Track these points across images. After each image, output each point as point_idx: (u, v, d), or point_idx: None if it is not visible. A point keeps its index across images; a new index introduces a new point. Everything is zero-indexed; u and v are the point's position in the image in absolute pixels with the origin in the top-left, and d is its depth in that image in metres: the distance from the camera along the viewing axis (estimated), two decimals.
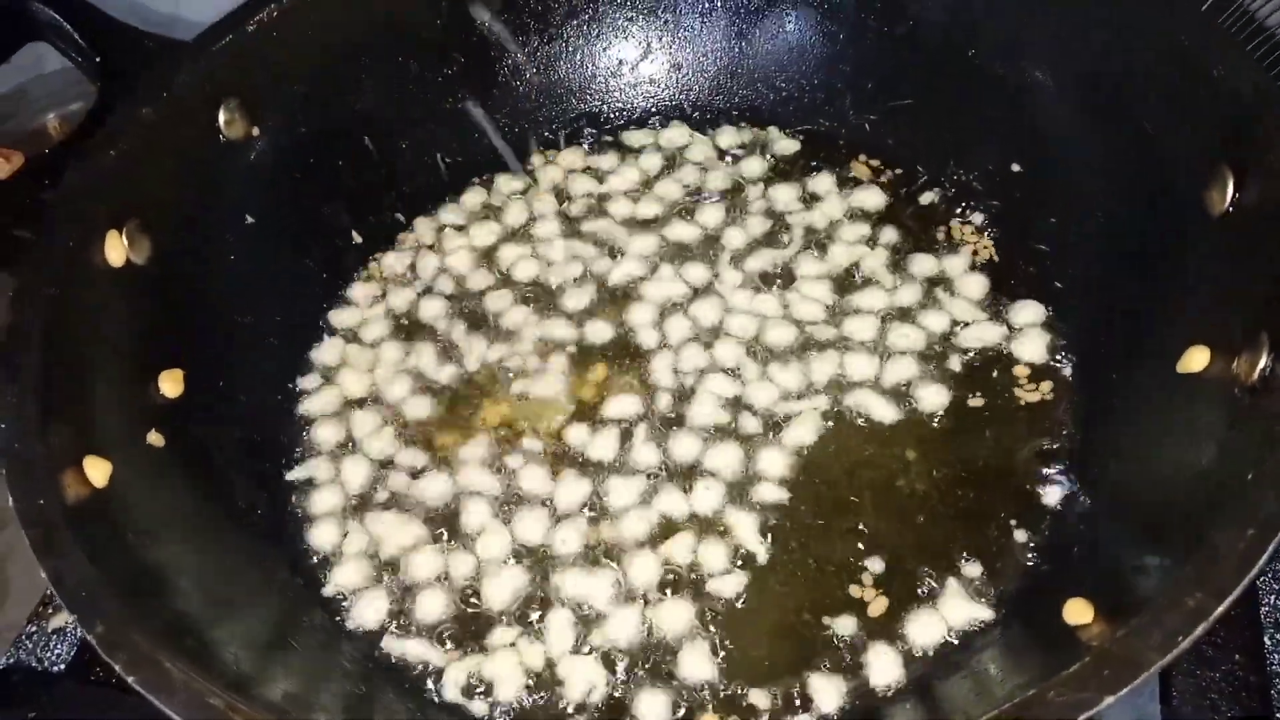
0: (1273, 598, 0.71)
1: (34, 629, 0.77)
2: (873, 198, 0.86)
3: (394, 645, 0.68)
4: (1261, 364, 0.54)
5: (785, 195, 0.88)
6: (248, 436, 0.75)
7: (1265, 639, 0.69)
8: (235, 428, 0.74)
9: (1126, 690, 0.41)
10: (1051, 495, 0.70)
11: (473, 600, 0.70)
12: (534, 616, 0.68)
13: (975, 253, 0.83)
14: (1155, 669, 0.41)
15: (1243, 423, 0.54)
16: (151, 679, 0.47)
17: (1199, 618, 0.43)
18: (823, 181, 0.88)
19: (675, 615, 0.67)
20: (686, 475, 0.73)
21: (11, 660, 0.75)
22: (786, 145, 0.91)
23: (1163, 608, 0.43)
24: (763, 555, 0.69)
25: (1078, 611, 0.56)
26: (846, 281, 0.82)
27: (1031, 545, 0.67)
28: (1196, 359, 0.61)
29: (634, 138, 0.94)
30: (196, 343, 0.73)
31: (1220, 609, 0.43)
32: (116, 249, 0.68)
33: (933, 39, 0.85)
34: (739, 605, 0.68)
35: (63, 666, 0.75)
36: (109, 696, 0.71)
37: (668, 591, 0.69)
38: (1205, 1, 0.85)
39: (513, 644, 0.67)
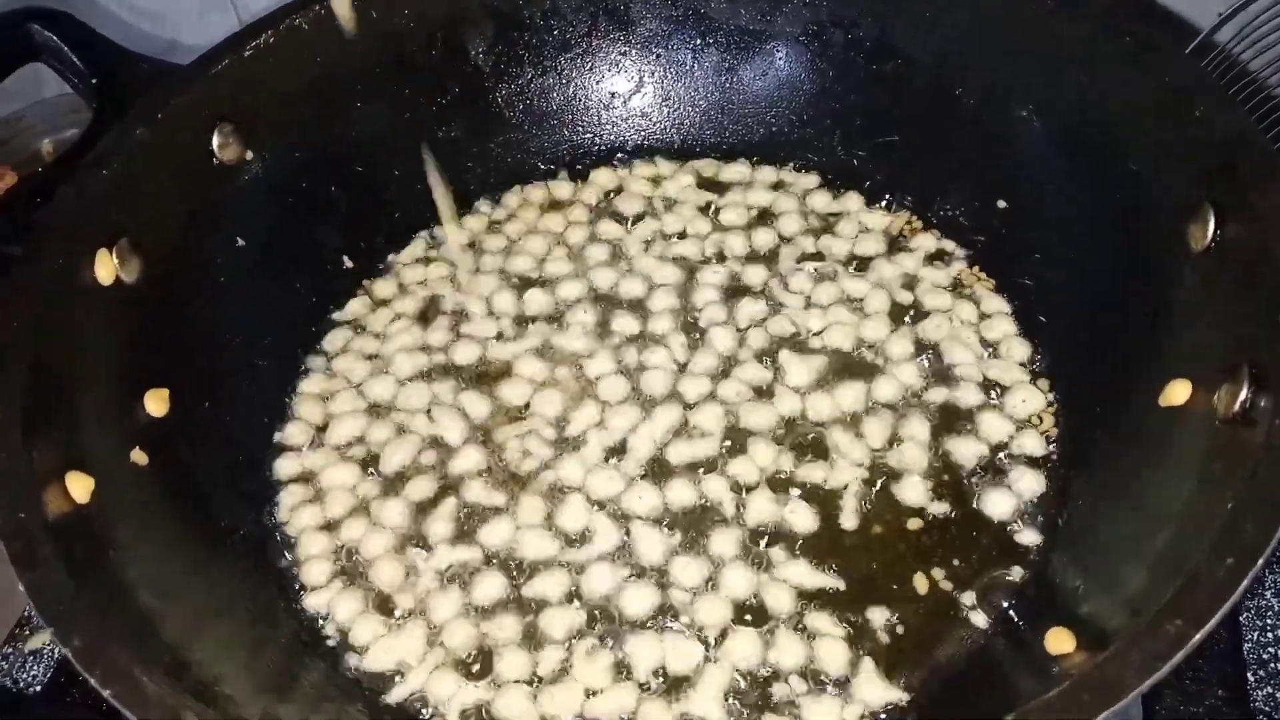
0: (1256, 634, 0.71)
1: (10, 650, 0.76)
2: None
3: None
4: (1241, 396, 0.54)
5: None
6: (232, 458, 0.75)
7: (1249, 675, 0.69)
8: (220, 448, 0.74)
9: (1106, 714, 0.41)
10: (1037, 530, 0.69)
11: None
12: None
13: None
14: (1134, 694, 0.42)
15: (1223, 454, 0.54)
16: (127, 693, 0.47)
17: (1179, 644, 0.43)
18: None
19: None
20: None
21: None
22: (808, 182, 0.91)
23: (1142, 634, 0.44)
24: None
25: (1060, 641, 0.56)
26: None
27: (1018, 579, 0.67)
28: (1178, 392, 0.61)
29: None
30: (183, 363, 0.73)
31: (1199, 636, 0.43)
32: (106, 267, 0.68)
33: (920, 78, 0.85)
34: None
35: (39, 689, 0.74)
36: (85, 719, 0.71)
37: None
38: (1189, 45, 0.86)
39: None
